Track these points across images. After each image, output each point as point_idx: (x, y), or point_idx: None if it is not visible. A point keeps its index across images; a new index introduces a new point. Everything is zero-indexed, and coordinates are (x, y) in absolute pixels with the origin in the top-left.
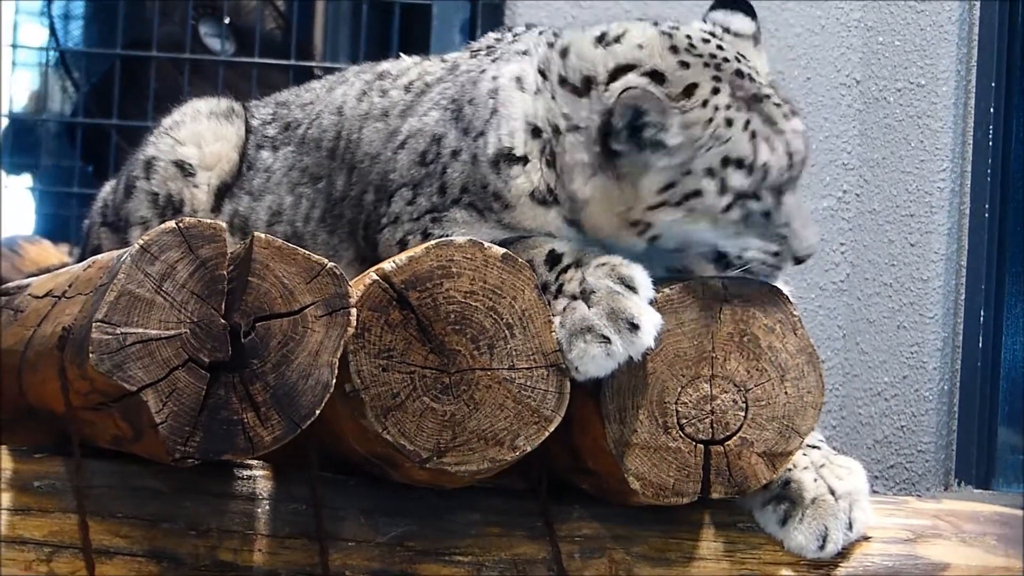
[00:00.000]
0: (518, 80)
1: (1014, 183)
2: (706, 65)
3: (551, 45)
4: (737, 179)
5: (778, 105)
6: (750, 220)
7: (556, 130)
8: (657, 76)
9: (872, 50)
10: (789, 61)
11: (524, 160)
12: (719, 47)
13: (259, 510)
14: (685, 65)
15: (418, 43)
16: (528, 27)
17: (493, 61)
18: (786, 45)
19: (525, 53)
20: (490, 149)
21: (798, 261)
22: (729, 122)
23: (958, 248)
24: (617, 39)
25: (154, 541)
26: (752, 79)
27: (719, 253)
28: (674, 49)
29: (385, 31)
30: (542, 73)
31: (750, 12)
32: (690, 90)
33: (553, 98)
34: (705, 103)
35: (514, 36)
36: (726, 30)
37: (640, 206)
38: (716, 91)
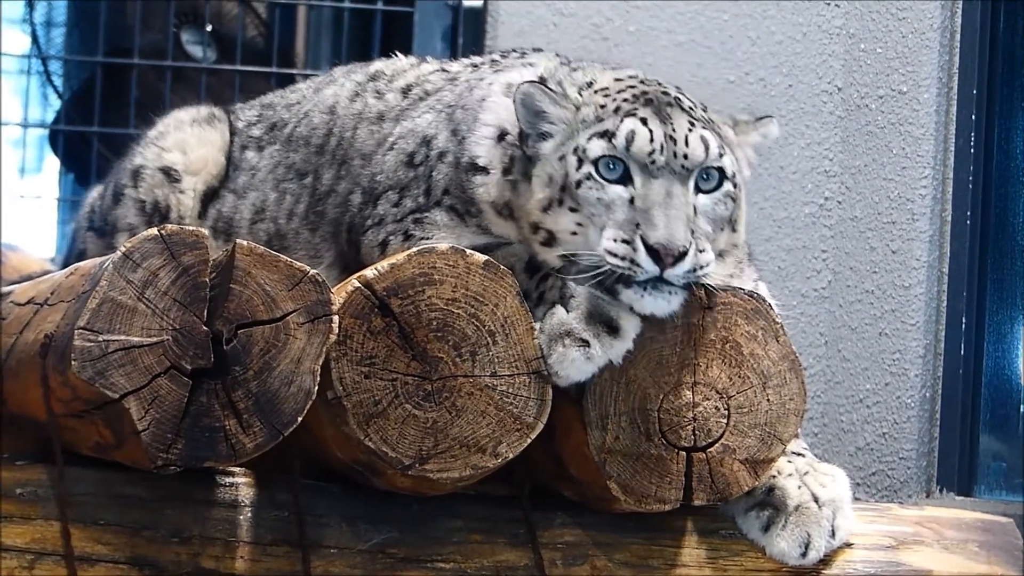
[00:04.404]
0: (508, 86)
1: (996, 190)
2: (630, 87)
3: (566, 64)
4: (596, 147)
5: (691, 117)
6: (612, 207)
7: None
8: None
9: (854, 57)
10: (771, 68)
11: (486, 171)
12: (645, 80)
13: (241, 517)
14: (616, 81)
15: (400, 51)
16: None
17: (496, 72)
18: (768, 52)
19: (531, 65)
20: (465, 156)
21: (653, 253)
22: (616, 109)
23: (940, 255)
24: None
25: (136, 548)
26: (669, 95)
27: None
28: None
29: (367, 38)
30: (543, 81)
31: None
32: (593, 85)
33: None
34: (603, 98)
35: (522, 53)
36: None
37: (535, 208)
38: (621, 91)
